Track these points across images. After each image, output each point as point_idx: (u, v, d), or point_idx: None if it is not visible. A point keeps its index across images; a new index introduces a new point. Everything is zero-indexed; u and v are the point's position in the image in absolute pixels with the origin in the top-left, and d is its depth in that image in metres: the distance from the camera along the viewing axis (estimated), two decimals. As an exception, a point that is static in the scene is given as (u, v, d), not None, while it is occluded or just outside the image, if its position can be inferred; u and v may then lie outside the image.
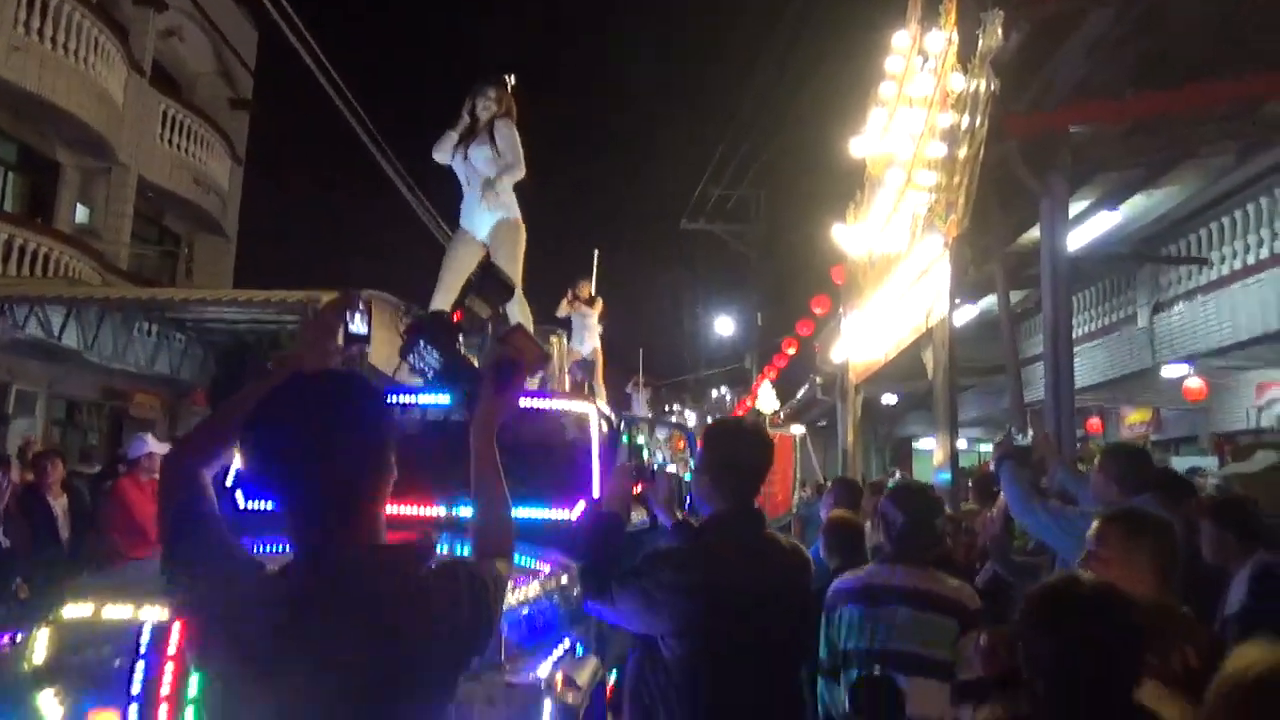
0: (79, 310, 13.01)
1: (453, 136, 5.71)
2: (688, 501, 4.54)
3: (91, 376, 14.64)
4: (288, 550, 1.61)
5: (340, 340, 1.93)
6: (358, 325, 1.95)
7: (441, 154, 5.76)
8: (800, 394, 19.22)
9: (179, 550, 1.65)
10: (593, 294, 10.98)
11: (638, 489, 2.86)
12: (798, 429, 14.45)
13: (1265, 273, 9.23)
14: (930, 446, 13.13)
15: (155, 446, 7.20)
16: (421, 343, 1.93)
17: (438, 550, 1.71)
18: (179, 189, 16.86)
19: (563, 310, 10.71)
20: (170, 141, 16.46)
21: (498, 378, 1.91)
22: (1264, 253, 9.38)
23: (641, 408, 13.79)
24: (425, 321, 2.00)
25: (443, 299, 5.20)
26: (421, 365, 1.93)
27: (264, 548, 2.78)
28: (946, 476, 8.22)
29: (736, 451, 2.62)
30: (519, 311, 5.16)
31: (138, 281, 15.69)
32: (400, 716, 1.55)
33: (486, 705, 2.60)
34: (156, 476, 7.22)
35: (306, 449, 1.57)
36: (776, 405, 16.75)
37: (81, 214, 15.68)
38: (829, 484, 5.10)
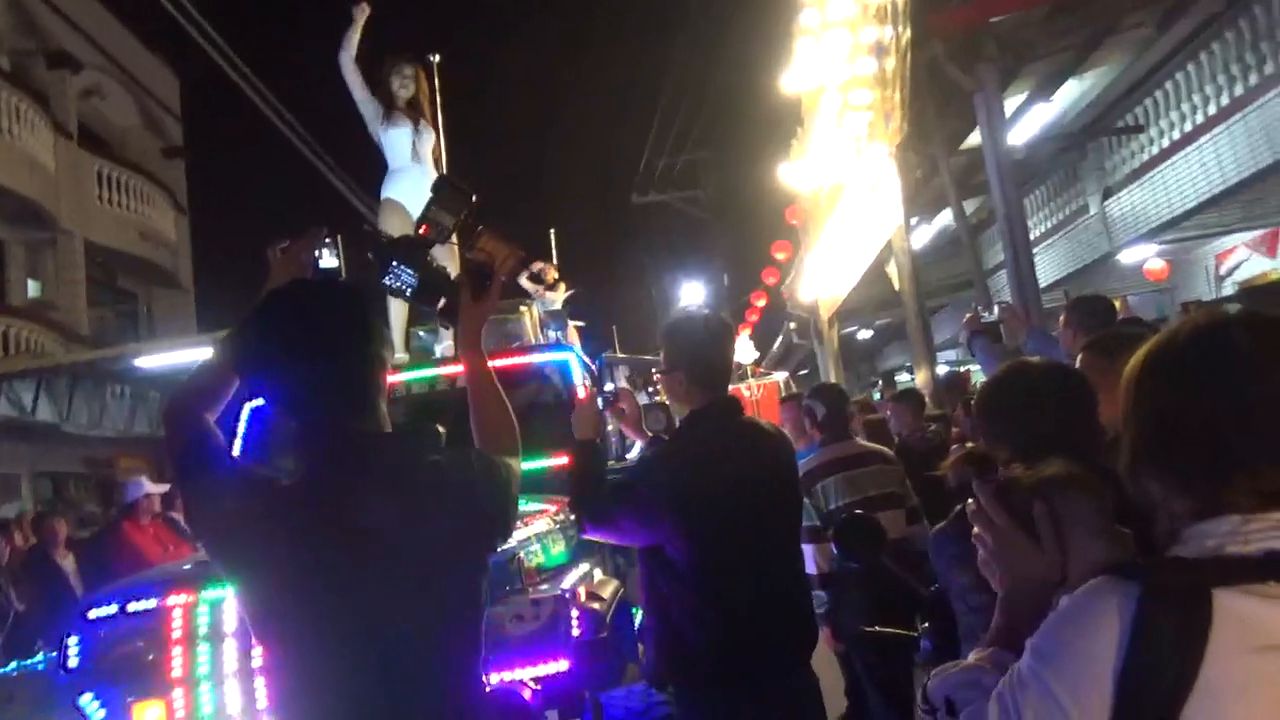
0: (49, 383, 12.87)
1: (376, 106, 5.80)
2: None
3: (72, 449, 14.50)
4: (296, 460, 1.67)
5: (310, 275, 1.97)
6: (328, 260, 1.99)
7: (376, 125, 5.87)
8: (777, 343, 19.35)
9: (196, 489, 1.69)
10: (556, 277, 10.97)
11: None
12: (780, 374, 14.57)
13: (1203, 137, 9.40)
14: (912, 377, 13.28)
15: (151, 487, 7.19)
16: (394, 262, 1.96)
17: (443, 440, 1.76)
18: (127, 247, 16.68)
19: (526, 284, 10.62)
20: (110, 201, 16.26)
21: (474, 284, 1.94)
22: (1199, 118, 9.55)
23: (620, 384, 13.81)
24: (396, 243, 2.02)
25: None
26: (398, 285, 1.96)
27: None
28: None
29: (705, 341, 2.61)
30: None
31: (101, 346, 15.53)
32: (435, 588, 1.60)
33: (515, 622, 2.66)
34: (157, 515, 7.23)
35: (311, 343, 1.62)
36: (755, 355, 16.87)
37: (34, 288, 15.51)
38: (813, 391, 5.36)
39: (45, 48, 15.34)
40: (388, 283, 1.95)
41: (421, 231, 2.02)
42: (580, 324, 9.12)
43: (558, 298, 10.82)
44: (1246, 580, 0.98)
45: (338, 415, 1.64)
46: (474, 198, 2.10)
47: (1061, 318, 4.16)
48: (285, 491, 1.62)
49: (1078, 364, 2.57)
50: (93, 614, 2.92)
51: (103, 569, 7.28)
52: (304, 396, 1.65)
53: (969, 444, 2.72)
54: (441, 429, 1.74)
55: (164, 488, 7.56)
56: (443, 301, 1.97)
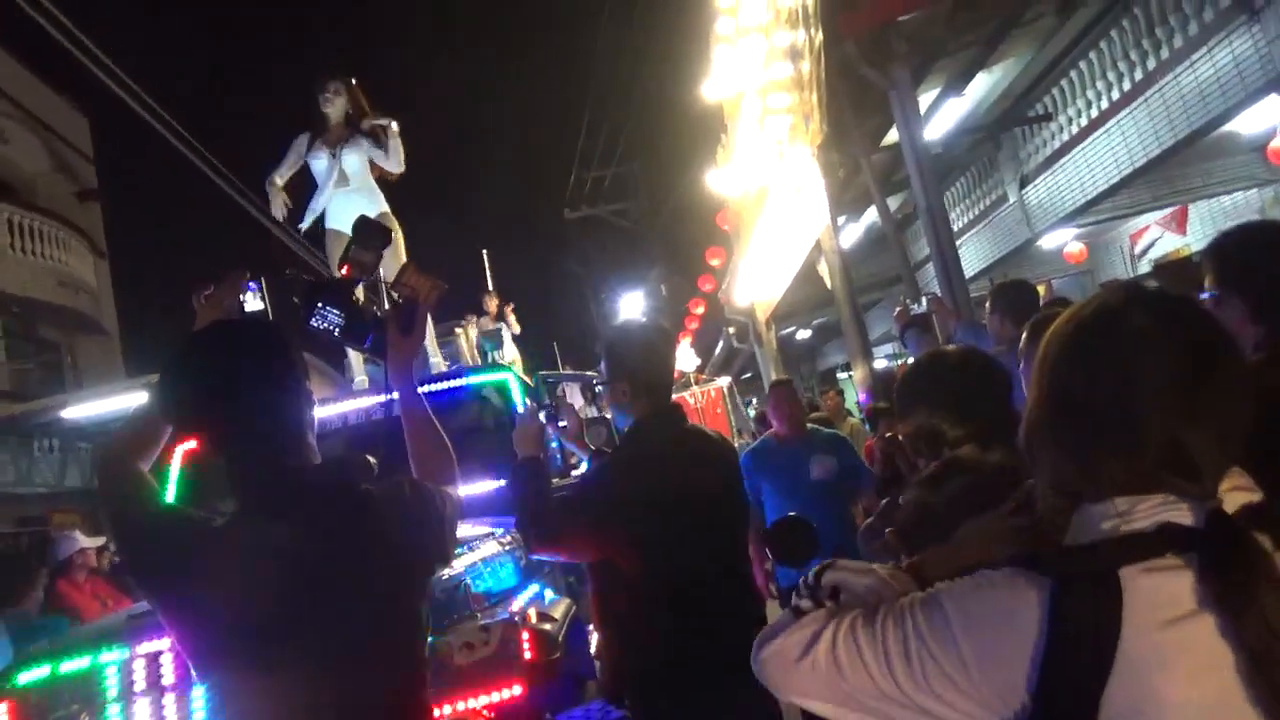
0: (-32, 441, 12.39)
1: (300, 144, 5.78)
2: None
3: (1, 508, 13.96)
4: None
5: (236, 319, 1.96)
6: (252, 303, 2.00)
7: (283, 172, 5.87)
8: (718, 349, 19.48)
9: (132, 538, 1.68)
10: (500, 304, 10.96)
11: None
12: (723, 380, 14.67)
13: (1110, 121, 9.73)
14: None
15: (85, 541, 6.93)
16: (320, 304, 1.97)
17: (375, 469, 1.76)
18: (45, 296, 16.10)
19: (489, 325, 10.67)
20: (23, 249, 15.68)
21: (400, 319, 1.97)
22: (1104, 104, 9.88)
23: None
24: (320, 284, 2.03)
25: None
26: (325, 325, 1.97)
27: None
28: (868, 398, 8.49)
29: (645, 350, 2.60)
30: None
31: (24, 400, 14.97)
32: (375, 618, 1.61)
33: (465, 650, 2.62)
34: (93, 570, 6.97)
35: (235, 380, 1.63)
36: (697, 362, 16.94)
37: (-54, 344, 14.92)
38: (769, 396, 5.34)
39: (-58, 95, 14.83)
40: (314, 325, 1.96)
41: (344, 272, 2.03)
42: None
43: (512, 321, 10.79)
44: (1146, 555, 1.01)
45: (266, 451, 1.64)
46: (391, 235, 2.12)
47: (987, 305, 4.26)
48: (220, 532, 1.62)
49: (1020, 347, 2.63)
50: (22, 679, 2.80)
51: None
52: (231, 434, 1.65)
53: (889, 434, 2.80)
54: (373, 459, 1.74)
55: (99, 541, 7.32)
56: (370, 338, 1.98)
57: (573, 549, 2.50)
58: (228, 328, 1.78)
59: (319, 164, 5.79)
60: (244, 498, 1.64)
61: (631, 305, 26.92)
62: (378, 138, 5.83)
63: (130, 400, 11.23)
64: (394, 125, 5.96)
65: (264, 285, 2.07)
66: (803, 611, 1.16)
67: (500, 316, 10.89)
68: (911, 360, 4.41)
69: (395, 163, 5.94)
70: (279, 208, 5.91)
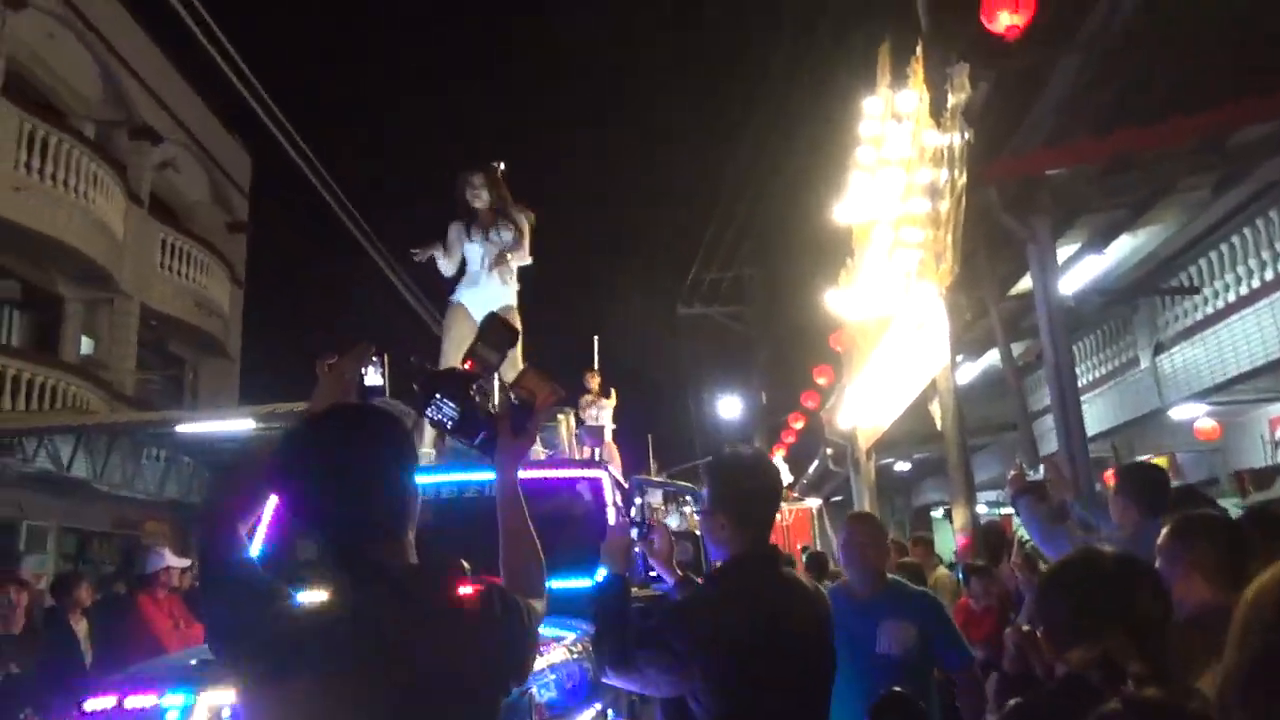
0: (88, 440, 13.07)
1: (455, 232, 6.18)
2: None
3: (102, 507, 14.61)
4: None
5: (355, 394, 1.99)
6: (373, 378, 2.03)
7: (448, 264, 6.27)
8: (812, 468, 19.12)
9: (217, 603, 1.70)
10: (601, 385, 11.05)
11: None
12: (814, 501, 14.31)
13: (1260, 301, 9.30)
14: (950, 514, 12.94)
15: (172, 560, 7.12)
16: (438, 395, 1.98)
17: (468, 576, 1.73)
18: (181, 314, 17.13)
19: (585, 410, 10.77)
20: (171, 269, 16.79)
21: (513, 420, 1.97)
22: (1255, 282, 9.47)
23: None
24: (440, 376, 2.05)
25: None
26: (439, 417, 1.99)
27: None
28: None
29: (754, 484, 2.52)
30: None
31: (144, 408, 15.77)
32: None
33: (521, 764, 2.53)
34: (174, 589, 7.14)
35: (346, 471, 1.63)
36: (790, 479, 16.61)
37: (86, 345, 15.89)
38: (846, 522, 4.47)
39: (130, 120, 16.12)
40: (429, 415, 1.98)
41: (467, 366, 2.05)
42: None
43: (609, 404, 10.87)
44: None
45: (364, 544, 1.63)
46: (519, 336, 2.13)
47: (1112, 486, 4.03)
48: (304, 618, 1.60)
49: (1160, 542, 2.42)
50: (90, 705, 2.84)
51: (112, 639, 7.18)
52: (333, 522, 1.65)
53: (1025, 627, 2.57)
54: (466, 564, 1.71)
55: (185, 562, 7.51)
56: (481, 435, 1.98)
57: (646, 681, 2.40)
58: (353, 413, 1.78)
59: (473, 250, 6.20)
60: (332, 584, 1.63)
61: (729, 408, 26.81)
62: (518, 228, 6.23)
63: (239, 425, 11.69)
64: (530, 218, 6.35)
65: (386, 362, 2.09)
66: None
67: (602, 394, 10.96)
68: (1026, 529, 4.17)
69: (524, 255, 6.34)
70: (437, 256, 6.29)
